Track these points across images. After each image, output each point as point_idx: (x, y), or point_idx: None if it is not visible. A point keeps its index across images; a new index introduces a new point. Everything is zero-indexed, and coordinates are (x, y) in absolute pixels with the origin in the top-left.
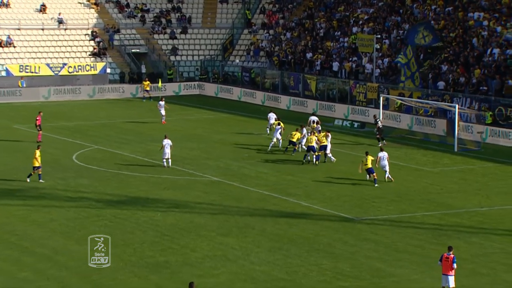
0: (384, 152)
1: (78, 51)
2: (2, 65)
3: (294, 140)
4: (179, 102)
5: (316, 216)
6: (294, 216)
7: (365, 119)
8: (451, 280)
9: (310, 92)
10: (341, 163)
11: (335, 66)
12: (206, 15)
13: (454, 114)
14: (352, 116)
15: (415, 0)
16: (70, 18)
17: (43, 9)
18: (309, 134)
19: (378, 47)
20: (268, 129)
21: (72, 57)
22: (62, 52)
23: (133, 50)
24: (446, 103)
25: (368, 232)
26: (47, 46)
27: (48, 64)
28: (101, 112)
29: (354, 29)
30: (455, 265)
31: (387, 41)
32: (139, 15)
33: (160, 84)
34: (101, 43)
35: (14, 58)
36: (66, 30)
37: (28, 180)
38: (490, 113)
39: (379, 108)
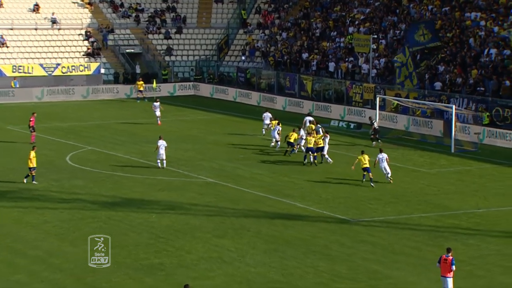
0: (383, 153)
1: (72, 51)
2: None
3: (292, 140)
4: (174, 103)
5: (312, 218)
6: (290, 217)
7: (361, 120)
8: (450, 282)
9: (306, 92)
10: (337, 164)
11: (331, 66)
12: (201, 15)
13: (451, 115)
14: (348, 117)
15: (411, 0)
16: (64, 18)
17: (36, 8)
18: (308, 135)
19: (375, 47)
20: (264, 129)
21: (65, 58)
22: (55, 52)
23: (127, 50)
24: (443, 104)
25: (364, 234)
26: (40, 46)
27: (41, 65)
28: (95, 113)
29: (351, 29)
30: (453, 267)
31: (383, 41)
32: (134, 15)
33: (154, 84)
34: (95, 43)
35: (7, 58)
36: (60, 30)
37: (24, 181)
38: (487, 113)
39: (375, 109)
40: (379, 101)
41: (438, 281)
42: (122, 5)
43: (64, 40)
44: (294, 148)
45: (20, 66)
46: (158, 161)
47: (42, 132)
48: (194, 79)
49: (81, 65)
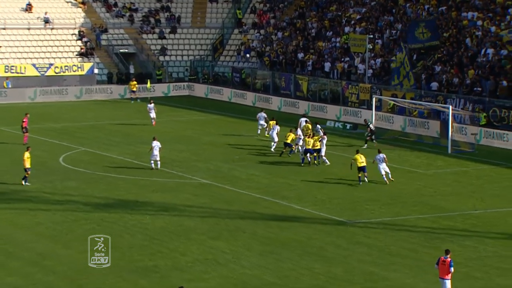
0: (381, 154)
1: (65, 51)
2: None
3: (289, 141)
4: (168, 103)
5: (308, 219)
6: (285, 219)
7: (357, 121)
8: (448, 284)
9: (302, 93)
10: (333, 165)
11: (327, 66)
12: (195, 14)
13: (448, 115)
14: (344, 117)
15: None
16: (57, 18)
17: (29, 8)
18: (307, 136)
19: (371, 47)
20: (259, 130)
21: (58, 57)
22: (48, 52)
23: (121, 50)
24: (440, 104)
25: (361, 236)
26: (33, 46)
27: (34, 65)
28: (88, 114)
29: (346, 29)
30: (452, 269)
31: (379, 41)
32: (127, 14)
33: (149, 84)
34: (89, 43)
35: (0, 58)
36: (53, 30)
37: (23, 183)
38: (484, 114)
39: (371, 109)
40: (375, 102)
41: (435, 283)
42: (115, 4)
43: (57, 40)
44: (293, 149)
45: (13, 66)
46: (152, 162)
47: (35, 133)
48: (189, 79)
49: (74, 65)
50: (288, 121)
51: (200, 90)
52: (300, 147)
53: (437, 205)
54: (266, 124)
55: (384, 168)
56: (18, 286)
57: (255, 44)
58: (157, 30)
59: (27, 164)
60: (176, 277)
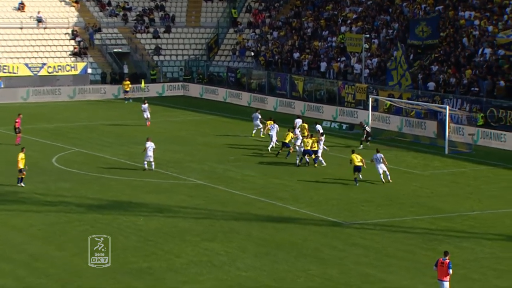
0: (379, 153)
1: (58, 51)
2: None
3: (287, 141)
4: (162, 103)
5: (303, 221)
6: (281, 220)
7: (354, 121)
8: (446, 286)
9: (298, 93)
10: (329, 166)
11: (323, 66)
12: (190, 13)
13: (445, 115)
14: (340, 117)
15: None
16: (50, 17)
17: (21, 7)
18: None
19: (367, 46)
20: (254, 130)
21: (51, 57)
22: (41, 51)
23: (115, 50)
24: (437, 105)
25: (357, 237)
26: (25, 45)
27: (27, 64)
28: (82, 114)
29: (343, 28)
30: (450, 271)
31: (376, 40)
32: (121, 13)
33: (143, 84)
34: (82, 42)
35: None
36: (46, 29)
37: (22, 185)
38: (482, 114)
39: (368, 110)
40: (372, 102)
41: (432, 285)
42: (109, 3)
43: (50, 39)
44: (290, 151)
45: (5, 65)
46: (145, 162)
47: (28, 133)
48: (183, 79)
49: (68, 64)
50: (284, 122)
51: (195, 90)
52: (297, 147)
53: (434, 206)
54: (261, 125)
55: (382, 167)
56: None
57: (250, 43)
58: (151, 30)
59: (21, 165)
60: (170, 279)
